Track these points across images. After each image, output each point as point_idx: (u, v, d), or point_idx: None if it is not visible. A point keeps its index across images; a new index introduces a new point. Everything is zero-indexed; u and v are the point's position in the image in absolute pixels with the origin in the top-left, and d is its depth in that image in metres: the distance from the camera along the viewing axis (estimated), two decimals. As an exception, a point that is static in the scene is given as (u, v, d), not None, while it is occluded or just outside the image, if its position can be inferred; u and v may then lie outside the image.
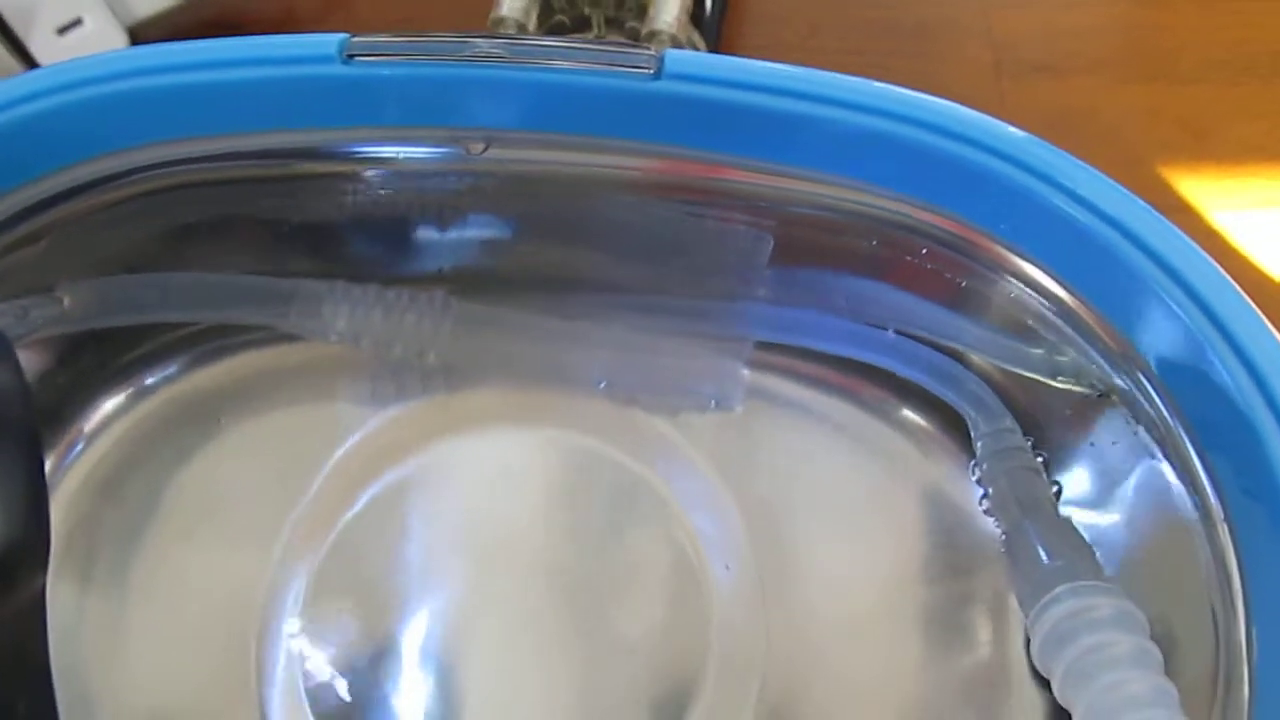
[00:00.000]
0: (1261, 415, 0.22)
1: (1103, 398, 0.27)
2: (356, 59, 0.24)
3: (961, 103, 0.24)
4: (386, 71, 0.25)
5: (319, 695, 0.27)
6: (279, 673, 0.27)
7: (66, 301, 0.28)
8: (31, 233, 0.26)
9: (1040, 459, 0.28)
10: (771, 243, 0.28)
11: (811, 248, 0.28)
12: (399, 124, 0.26)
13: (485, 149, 0.26)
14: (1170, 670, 0.23)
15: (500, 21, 0.33)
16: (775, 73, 0.24)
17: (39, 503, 0.22)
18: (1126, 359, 0.25)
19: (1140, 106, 0.42)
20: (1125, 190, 0.23)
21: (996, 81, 0.42)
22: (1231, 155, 0.42)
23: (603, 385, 0.30)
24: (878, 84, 0.24)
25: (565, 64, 0.24)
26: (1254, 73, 0.43)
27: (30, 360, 0.28)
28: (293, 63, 0.25)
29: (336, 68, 0.24)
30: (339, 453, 0.30)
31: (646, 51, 0.24)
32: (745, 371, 0.30)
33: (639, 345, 0.30)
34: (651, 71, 0.24)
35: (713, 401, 0.30)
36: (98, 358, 0.30)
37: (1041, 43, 0.43)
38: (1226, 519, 0.23)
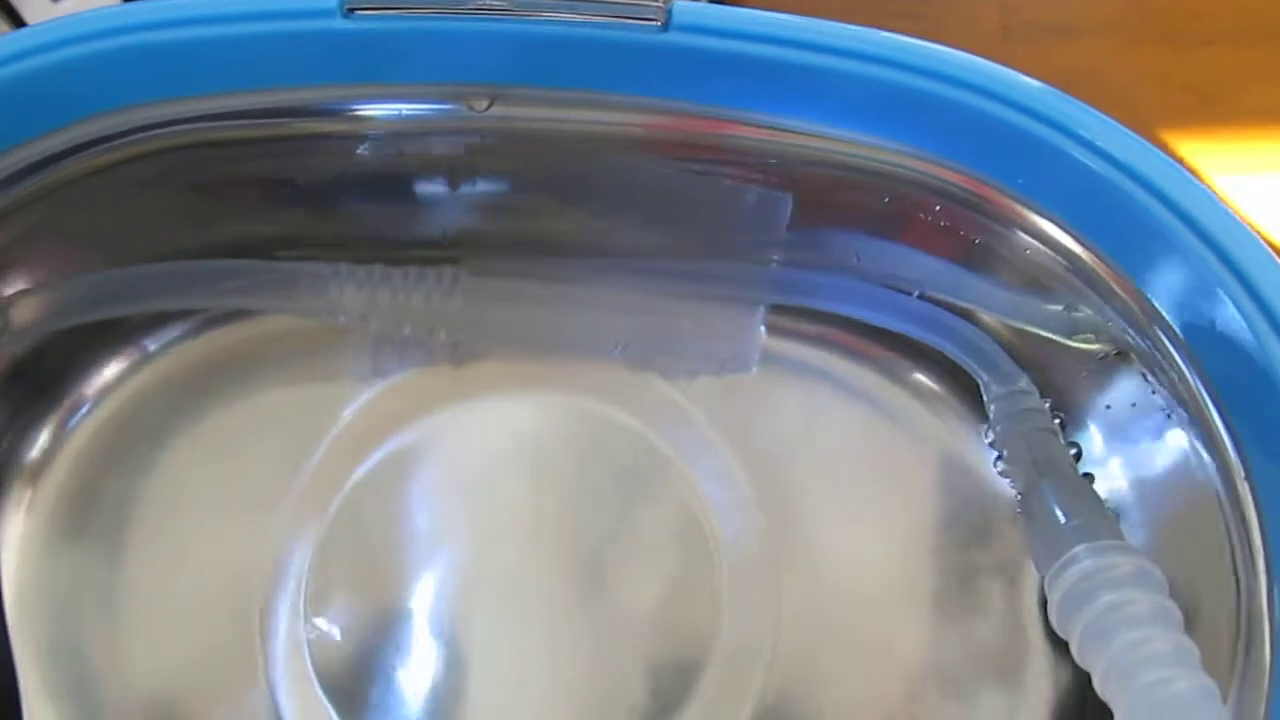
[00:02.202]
0: (1286, 373, 0.21)
1: (1120, 357, 0.26)
2: (357, 13, 0.24)
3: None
4: (388, 25, 0.24)
5: (325, 667, 0.27)
6: (284, 645, 0.27)
7: (62, 294, 0.28)
8: (19, 199, 0.26)
9: (1057, 420, 0.28)
10: (790, 204, 0.27)
11: (822, 206, 0.27)
12: (401, 80, 0.25)
13: (489, 105, 0.25)
14: (1191, 631, 0.23)
15: (501, -19, 0.32)
16: (786, 24, 0.24)
17: None
18: (1145, 316, 0.24)
19: (1150, 69, 0.42)
20: (1144, 141, 0.23)
21: (1004, 43, 0.42)
22: (1241, 119, 0.41)
23: (618, 350, 0.30)
24: (890, 35, 0.24)
25: (570, 16, 0.24)
26: (1266, 36, 0.42)
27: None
28: (292, 17, 0.24)
29: (337, 22, 0.24)
30: (343, 421, 0.29)
31: (653, 3, 0.24)
32: (762, 330, 0.30)
33: (654, 308, 0.30)
34: (659, 23, 0.24)
35: (719, 365, 0.30)
36: (101, 322, 0.29)
37: (1050, 3, 0.43)
38: (1248, 479, 0.23)
